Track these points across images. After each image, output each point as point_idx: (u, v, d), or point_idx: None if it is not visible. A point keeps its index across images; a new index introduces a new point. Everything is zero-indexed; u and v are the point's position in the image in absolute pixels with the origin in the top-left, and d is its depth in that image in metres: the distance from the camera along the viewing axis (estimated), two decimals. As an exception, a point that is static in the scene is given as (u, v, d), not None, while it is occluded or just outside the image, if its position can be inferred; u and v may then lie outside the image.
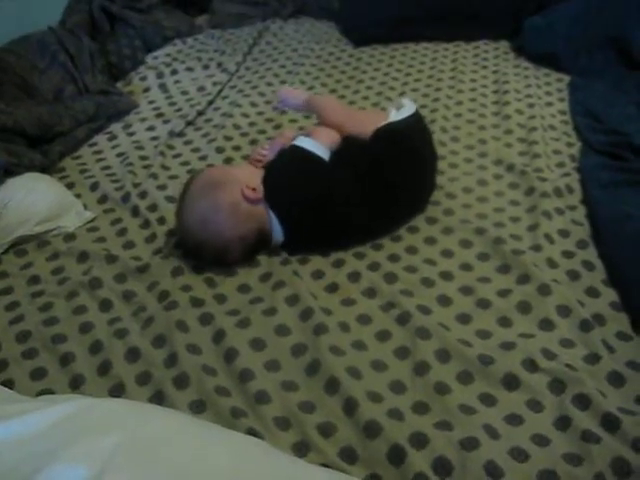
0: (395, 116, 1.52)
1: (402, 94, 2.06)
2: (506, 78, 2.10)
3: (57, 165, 1.79)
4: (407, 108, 1.55)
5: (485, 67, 2.22)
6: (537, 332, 1.16)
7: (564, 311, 1.19)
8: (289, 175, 1.43)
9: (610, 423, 0.97)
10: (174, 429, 0.79)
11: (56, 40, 2.15)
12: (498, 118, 1.87)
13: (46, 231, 1.50)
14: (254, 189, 1.36)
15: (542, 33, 2.24)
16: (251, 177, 1.40)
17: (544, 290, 1.23)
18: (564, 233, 1.41)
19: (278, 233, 1.37)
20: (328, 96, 2.05)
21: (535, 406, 1.02)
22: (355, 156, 1.46)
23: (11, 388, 1.07)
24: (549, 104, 1.96)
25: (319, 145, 1.44)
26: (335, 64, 2.34)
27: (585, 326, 1.16)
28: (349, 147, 1.48)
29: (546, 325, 1.18)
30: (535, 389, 1.05)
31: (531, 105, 1.92)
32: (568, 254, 1.35)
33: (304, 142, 1.45)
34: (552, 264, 1.32)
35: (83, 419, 0.77)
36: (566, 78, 2.11)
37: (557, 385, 1.04)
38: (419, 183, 1.51)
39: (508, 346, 1.13)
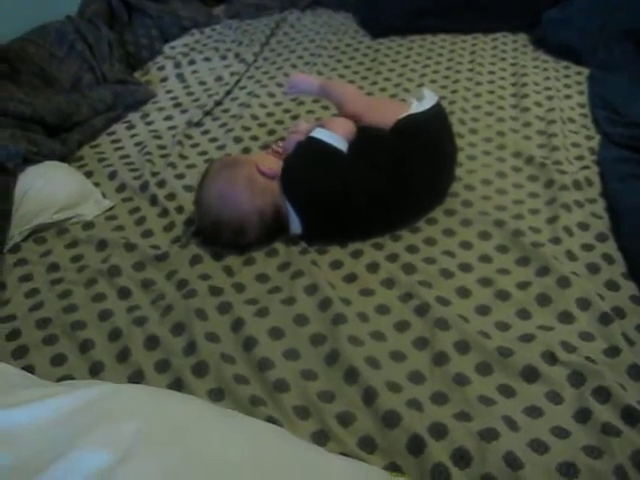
0: (416, 107, 1.51)
1: (420, 86, 2.05)
2: (525, 70, 2.08)
3: (76, 154, 1.80)
4: (428, 99, 1.53)
5: (504, 59, 2.21)
6: (556, 325, 1.16)
7: (584, 304, 1.19)
8: (306, 168, 1.43)
9: (630, 416, 0.97)
10: (195, 416, 0.79)
11: (74, 29, 2.15)
12: (517, 110, 1.86)
13: (65, 219, 1.51)
14: (270, 168, 1.39)
15: (561, 26, 2.22)
16: (267, 159, 1.44)
17: (563, 283, 1.23)
18: (583, 226, 1.40)
19: (296, 225, 1.37)
20: (345, 83, 2.01)
21: (555, 398, 1.02)
22: (374, 148, 1.45)
23: (32, 373, 1.07)
24: (568, 97, 1.95)
25: (336, 136, 1.43)
26: (353, 55, 2.34)
27: (605, 319, 1.15)
28: (367, 138, 1.47)
29: (565, 318, 1.17)
30: (555, 381, 1.04)
31: (550, 98, 1.91)
32: (588, 247, 1.34)
33: (321, 133, 1.44)
34: (571, 257, 1.31)
35: (105, 405, 0.77)
36: (585, 71, 2.10)
37: (577, 378, 1.04)
38: (438, 176, 1.51)
39: (527, 338, 1.13)
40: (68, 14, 2.25)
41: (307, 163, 1.44)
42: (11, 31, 2.05)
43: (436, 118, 1.53)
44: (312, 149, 1.44)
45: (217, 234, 1.38)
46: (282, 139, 1.62)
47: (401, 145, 1.44)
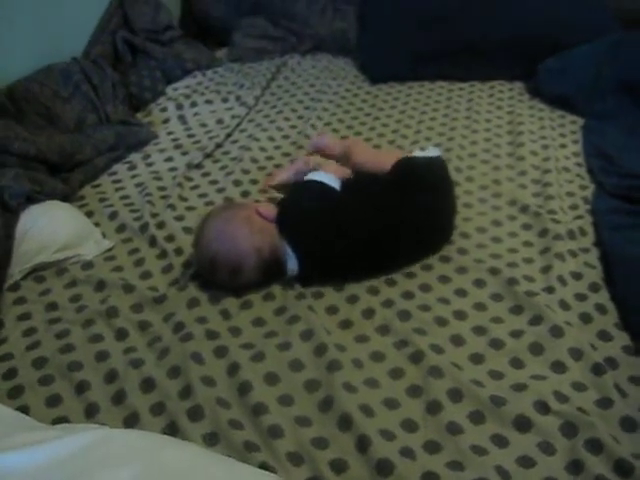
0: (418, 153, 1.56)
1: (417, 132, 2.09)
2: (521, 119, 2.12)
3: (77, 193, 1.82)
4: (431, 150, 1.60)
5: (500, 107, 2.25)
6: (549, 374, 1.17)
7: (576, 354, 1.20)
8: (301, 204, 1.48)
9: (623, 469, 0.97)
10: (190, 462, 0.80)
11: (80, 70, 2.19)
12: (512, 159, 1.89)
13: (65, 259, 1.53)
14: (268, 210, 1.44)
15: (556, 76, 2.27)
16: (265, 205, 1.48)
17: (556, 332, 1.24)
18: (577, 275, 1.42)
19: (293, 263, 1.39)
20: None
21: (547, 449, 1.03)
22: (368, 186, 1.52)
23: (26, 414, 1.08)
24: (563, 146, 1.98)
25: (331, 176, 1.50)
26: (352, 101, 2.38)
27: (597, 370, 1.16)
28: (362, 176, 1.57)
29: (558, 367, 1.18)
30: (547, 432, 1.05)
31: (545, 147, 1.95)
32: (581, 297, 1.36)
33: (316, 175, 1.52)
34: (565, 306, 1.33)
35: (101, 450, 0.78)
36: (580, 120, 2.14)
37: (569, 428, 1.05)
38: (434, 218, 1.52)
39: (520, 387, 1.14)
40: (74, 55, 2.29)
41: (303, 199, 1.50)
42: (17, 71, 2.08)
43: (434, 165, 1.56)
44: (307, 187, 1.52)
45: (214, 272, 1.39)
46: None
47: (396, 181, 1.50)
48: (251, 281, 1.40)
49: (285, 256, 1.39)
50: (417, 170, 1.54)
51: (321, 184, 1.50)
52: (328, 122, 2.21)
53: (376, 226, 1.42)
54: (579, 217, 1.62)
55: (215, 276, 1.40)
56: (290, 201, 1.51)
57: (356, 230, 1.42)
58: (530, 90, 2.36)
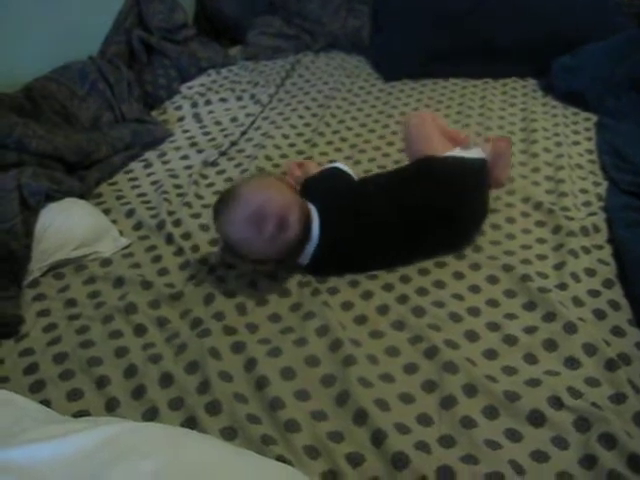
0: (457, 153, 1.61)
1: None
2: (534, 116, 2.13)
3: (94, 191, 1.84)
4: (474, 152, 1.64)
5: (513, 105, 2.25)
6: (563, 370, 1.18)
7: (590, 350, 1.21)
8: (324, 180, 1.63)
9: (636, 464, 0.98)
10: (210, 455, 0.82)
11: (96, 69, 2.21)
12: (526, 156, 1.90)
13: (83, 255, 1.55)
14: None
15: (570, 73, 2.27)
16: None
17: (570, 328, 1.25)
18: (590, 272, 1.43)
19: (315, 230, 1.43)
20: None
21: (560, 443, 1.04)
22: (385, 175, 1.68)
23: (48, 408, 1.10)
24: (576, 143, 1.99)
25: (348, 167, 1.69)
26: (365, 98, 2.39)
27: (611, 365, 1.17)
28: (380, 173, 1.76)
29: (572, 363, 1.19)
30: (561, 426, 1.06)
31: (558, 144, 1.95)
32: (594, 293, 1.37)
33: (338, 164, 1.70)
34: (578, 302, 1.34)
35: (124, 443, 0.80)
36: (593, 117, 2.14)
37: (582, 423, 1.06)
38: (445, 216, 1.51)
39: (534, 383, 1.15)
40: (90, 54, 2.32)
41: (325, 177, 1.63)
42: (35, 69, 2.11)
43: (458, 166, 1.58)
44: (330, 170, 1.66)
45: (261, 223, 1.34)
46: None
47: (409, 176, 1.57)
48: (291, 242, 1.37)
49: (312, 222, 1.43)
50: (433, 168, 1.56)
51: (341, 170, 1.64)
52: (341, 120, 2.22)
53: (388, 212, 1.47)
54: (592, 214, 1.63)
55: (261, 229, 1.35)
56: (313, 178, 1.64)
57: (370, 213, 1.47)
58: (543, 87, 2.36)
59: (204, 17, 3.10)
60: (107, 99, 2.17)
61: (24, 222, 1.49)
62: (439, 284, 1.42)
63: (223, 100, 2.40)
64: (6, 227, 1.45)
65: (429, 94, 2.38)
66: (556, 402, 1.10)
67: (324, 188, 1.57)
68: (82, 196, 1.74)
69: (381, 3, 2.71)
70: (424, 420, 1.10)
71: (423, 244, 1.50)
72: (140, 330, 1.32)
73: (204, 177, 1.89)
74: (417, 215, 1.47)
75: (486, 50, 2.45)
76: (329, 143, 2.06)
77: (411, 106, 2.30)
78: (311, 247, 1.43)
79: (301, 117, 2.25)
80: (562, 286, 1.38)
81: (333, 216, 1.46)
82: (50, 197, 1.60)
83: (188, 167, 1.95)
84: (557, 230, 1.56)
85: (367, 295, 1.40)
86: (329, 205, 1.48)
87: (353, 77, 2.58)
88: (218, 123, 2.24)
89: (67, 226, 1.56)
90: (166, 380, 1.19)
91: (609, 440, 1.02)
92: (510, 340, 1.26)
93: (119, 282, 1.47)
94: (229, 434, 1.08)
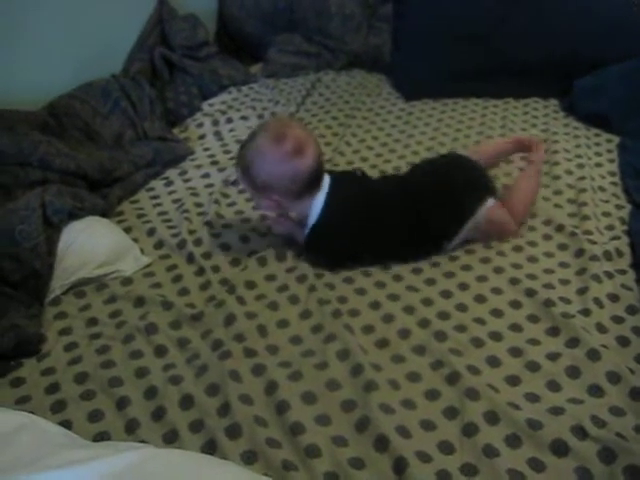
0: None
1: (452, 150, 2.09)
2: (556, 137, 2.12)
3: (115, 209, 1.85)
4: None
5: (535, 125, 2.25)
6: (586, 398, 1.17)
7: (614, 378, 1.19)
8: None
9: (662, 497, 0.97)
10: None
11: (119, 87, 2.23)
12: (548, 178, 1.89)
13: (105, 274, 1.56)
14: None
15: (592, 94, 2.26)
16: None
17: (593, 355, 1.24)
18: (614, 297, 1.41)
19: (320, 201, 1.53)
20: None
21: (584, 474, 1.03)
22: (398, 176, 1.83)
23: (69, 429, 1.10)
24: (599, 165, 1.98)
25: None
26: (386, 117, 2.39)
27: (635, 394, 1.16)
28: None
29: (595, 391, 1.18)
30: (584, 457, 1.05)
31: (581, 166, 1.94)
32: (618, 319, 1.36)
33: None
34: (601, 329, 1.32)
35: (144, 470, 0.80)
36: (616, 139, 2.13)
37: (607, 454, 1.05)
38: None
39: (557, 411, 1.14)
40: (113, 72, 2.34)
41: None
42: (59, 87, 2.13)
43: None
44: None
45: (278, 140, 1.46)
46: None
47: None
48: (299, 173, 1.47)
49: (322, 180, 1.53)
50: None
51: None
52: (362, 139, 2.22)
53: (396, 202, 1.58)
54: (616, 238, 1.62)
55: (279, 144, 1.46)
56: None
57: (378, 198, 1.58)
58: (565, 108, 2.35)
59: (225, 35, 3.12)
60: (129, 117, 2.19)
61: (47, 240, 1.50)
62: (461, 307, 1.41)
63: (244, 118, 2.41)
64: (30, 245, 1.46)
65: (450, 114, 2.38)
66: (580, 431, 1.09)
67: (341, 171, 1.72)
68: (104, 214, 1.75)
69: (402, 22, 2.71)
70: (446, 448, 1.09)
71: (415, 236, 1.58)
72: (161, 351, 1.32)
73: (225, 196, 1.90)
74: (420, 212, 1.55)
75: (507, 70, 2.44)
76: (349, 163, 2.06)
77: (432, 126, 2.29)
78: (314, 214, 1.53)
79: (322, 136, 2.25)
80: (585, 312, 1.37)
81: (343, 190, 1.56)
82: (73, 215, 1.60)
83: (209, 185, 1.96)
84: (580, 254, 1.55)
85: (388, 318, 1.39)
86: (341, 180, 1.58)
87: (374, 96, 2.59)
88: (239, 141, 2.23)
89: (89, 244, 1.56)
90: (186, 402, 1.19)
91: (635, 473, 1.00)
92: (533, 366, 1.25)
93: (140, 302, 1.47)
94: (249, 458, 1.07)
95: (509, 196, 1.70)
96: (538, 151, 1.87)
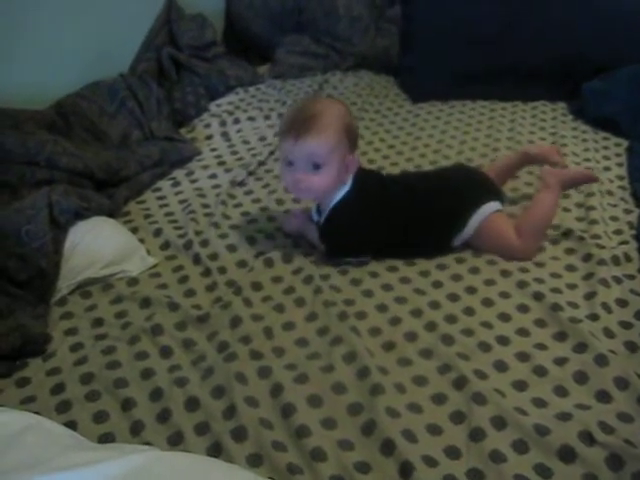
0: None
1: (459, 153, 2.09)
2: (564, 141, 2.11)
3: (122, 209, 1.85)
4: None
5: (543, 128, 2.24)
6: (594, 404, 1.16)
7: (622, 383, 1.18)
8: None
9: (671, 505, 0.96)
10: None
11: (126, 86, 2.23)
12: (556, 181, 1.88)
13: (111, 274, 1.55)
14: None
15: (601, 97, 2.25)
16: None
17: (601, 360, 1.23)
18: (622, 303, 1.40)
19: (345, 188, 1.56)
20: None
21: (592, 481, 1.02)
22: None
23: (74, 429, 1.10)
24: (607, 169, 1.97)
25: None
26: (393, 119, 2.39)
27: (643, 400, 1.15)
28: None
29: (603, 397, 1.17)
30: (592, 463, 1.04)
31: (589, 169, 1.93)
32: (626, 324, 1.35)
33: None
34: (609, 334, 1.31)
35: (150, 473, 0.80)
36: (624, 142, 2.12)
37: (615, 461, 1.04)
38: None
39: (564, 417, 1.13)
40: (121, 71, 2.34)
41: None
42: (66, 86, 2.13)
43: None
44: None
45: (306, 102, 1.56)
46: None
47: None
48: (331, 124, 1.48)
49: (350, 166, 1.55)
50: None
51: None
52: (370, 141, 2.22)
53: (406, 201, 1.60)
54: (624, 242, 1.61)
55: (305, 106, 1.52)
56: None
57: (394, 200, 1.59)
58: (573, 111, 2.35)
59: (233, 35, 3.12)
60: (136, 117, 2.19)
61: (54, 240, 1.50)
62: (468, 311, 1.41)
63: (251, 119, 2.41)
64: (36, 245, 1.46)
65: (458, 116, 2.37)
66: (587, 437, 1.08)
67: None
68: (111, 214, 1.75)
69: (410, 24, 2.70)
70: (452, 453, 1.08)
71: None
72: (166, 352, 1.32)
73: (232, 197, 1.89)
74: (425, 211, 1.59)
75: (516, 73, 2.43)
76: (363, 153, 2.07)
77: (439, 128, 2.29)
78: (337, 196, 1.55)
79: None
80: (593, 317, 1.36)
81: (366, 180, 1.59)
82: (79, 215, 1.60)
83: (216, 186, 1.96)
84: (587, 258, 1.54)
85: (395, 321, 1.38)
86: (365, 171, 1.63)
87: (381, 97, 2.58)
88: (246, 142, 2.24)
89: (96, 244, 1.56)
90: (192, 404, 1.18)
91: (643, 480, 1.00)
92: (540, 371, 1.24)
93: (146, 302, 1.47)
94: (255, 461, 1.07)
95: (520, 215, 1.67)
96: (552, 157, 1.75)
